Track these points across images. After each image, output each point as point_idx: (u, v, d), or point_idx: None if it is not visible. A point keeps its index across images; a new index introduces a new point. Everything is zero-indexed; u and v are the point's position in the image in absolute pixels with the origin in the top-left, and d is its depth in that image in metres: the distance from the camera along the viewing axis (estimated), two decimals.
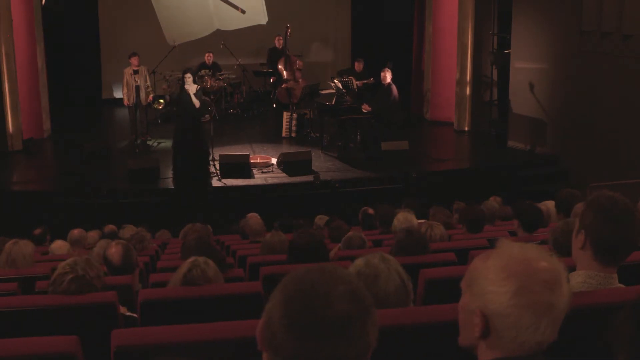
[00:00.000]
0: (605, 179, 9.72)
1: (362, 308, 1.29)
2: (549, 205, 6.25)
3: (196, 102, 10.38)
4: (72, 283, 3.14)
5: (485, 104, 13.50)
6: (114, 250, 4.04)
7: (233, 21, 16.63)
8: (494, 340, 1.51)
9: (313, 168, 10.96)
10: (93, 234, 7.99)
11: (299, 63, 14.39)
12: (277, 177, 10.82)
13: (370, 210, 7.52)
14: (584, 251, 2.28)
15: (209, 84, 13.84)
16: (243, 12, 16.68)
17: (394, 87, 11.87)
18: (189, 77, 10.43)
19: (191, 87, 10.41)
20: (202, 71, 14.01)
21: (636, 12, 9.88)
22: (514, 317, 1.47)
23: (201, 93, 10.64)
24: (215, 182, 10.63)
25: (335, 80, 12.50)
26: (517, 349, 1.49)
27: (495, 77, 13.26)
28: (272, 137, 13.12)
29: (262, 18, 16.68)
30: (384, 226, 6.49)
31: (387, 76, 11.89)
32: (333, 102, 12.20)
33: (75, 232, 7.33)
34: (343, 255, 4.51)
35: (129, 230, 7.86)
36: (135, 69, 12.22)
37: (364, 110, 12.02)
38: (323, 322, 1.25)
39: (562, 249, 3.42)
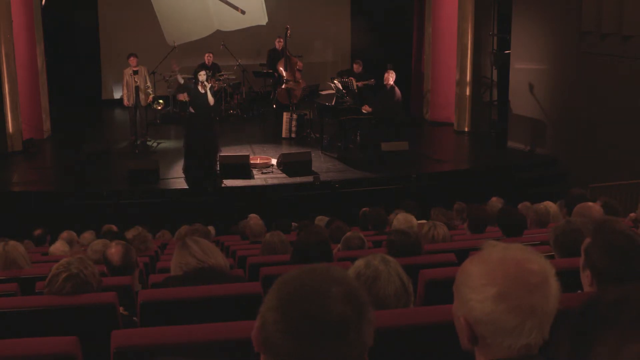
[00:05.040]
0: (604, 179, 9.73)
1: (358, 308, 1.29)
2: (548, 205, 6.25)
3: (211, 100, 10.76)
4: (67, 282, 3.14)
5: (485, 105, 13.50)
6: (114, 251, 4.03)
7: (233, 22, 16.64)
8: (483, 346, 1.51)
9: (313, 169, 10.96)
10: (87, 235, 7.98)
11: (299, 64, 14.40)
12: (277, 177, 10.82)
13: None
14: (592, 287, 2.27)
15: (209, 83, 13.84)
16: (243, 12, 16.69)
17: (397, 89, 11.90)
18: (203, 75, 10.80)
19: (206, 85, 10.73)
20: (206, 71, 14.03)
21: (636, 13, 9.88)
22: (496, 323, 1.46)
23: (212, 92, 10.86)
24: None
25: (335, 81, 12.50)
26: (505, 352, 1.48)
27: (495, 77, 13.26)
28: (272, 137, 13.12)
29: (262, 18, 16.69)
30: (377, 229, 6.50)
31: (390, 78, 11.91)
32: (333, 103, 12.20)
33: (65, 235, 7.33)
34: (342, 256, 4.51)
35: (134, 231, 7.85)
36: (135, 69, 12.22)
37: (363, 111, 12.03)
38: (319, 324, 1.25)
39: (562, 248, 3.42)
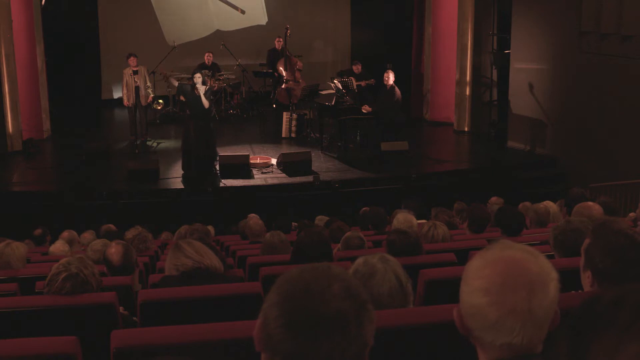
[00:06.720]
0: (604, 179, 9.73)
1: (358, 305, 1.29)
2: (548, 205, 6.26)
3: (206, 103, 10.62)
4: (67, 281, 3.15)
5: (485, 105, 13.50)
6: (114, 251, 4.04)
7: (233, 21, 16.65)
8: (474, 340, 1.53)
9: (313, 168, 10.96)
10: (87, 235, 7.98)
11: (299, 64, 14.40)
12: (277, 177, 10.82)
13: None
14: (593, 288, 2.26)
15: (208, 84, 13.83)
16: (243, 12, 16.69)
17: (397, 89, 11.89)
18: (198, 78, 10.68)
19: (200, 88, 10.61)
20: (202, 72, 14.00)
21: (636, 13, 9.88)
22: (479, 315, 1.47)
23: (210, 93, 10.81)
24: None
25: (335, 81, 12.50)
26: (497, 352, 1.48)
27: (495, 77, 13.26)
28: (271, 137, 13.12)
29: (261, 18, 16.70)
30: (377, 229, 6.50)
31: (390, 77, 11.90)
32: (333, 103, 12.20)
33: (65, 234, 7.33)
34: (342, 255, 4.51)
35: (134, 231, 7.84)
36: (135, 69, 12.22)
37: (363, 111, 12.03)
38: (319, 320, 1.25)
39: (562, 248, 3.42)
